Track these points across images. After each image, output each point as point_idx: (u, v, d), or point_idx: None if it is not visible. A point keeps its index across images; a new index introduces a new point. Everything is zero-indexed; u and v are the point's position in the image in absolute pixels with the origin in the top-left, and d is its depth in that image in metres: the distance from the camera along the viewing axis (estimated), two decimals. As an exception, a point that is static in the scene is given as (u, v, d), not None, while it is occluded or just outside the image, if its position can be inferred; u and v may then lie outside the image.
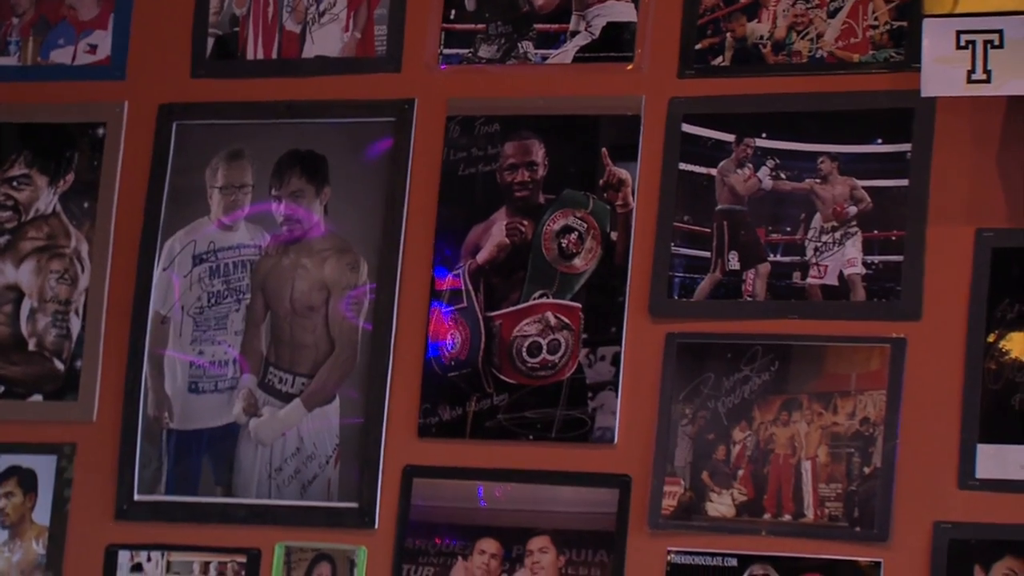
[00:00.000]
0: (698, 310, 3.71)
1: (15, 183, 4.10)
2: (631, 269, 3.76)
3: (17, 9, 4.18)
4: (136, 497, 3.95)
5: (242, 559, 3.88)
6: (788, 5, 3.74)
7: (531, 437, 3.78)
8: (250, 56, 4.05)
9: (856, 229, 3.64)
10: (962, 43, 3.39)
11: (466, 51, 3.94)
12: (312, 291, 3.95)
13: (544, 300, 3.80)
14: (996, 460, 3.48)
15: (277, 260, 3.98)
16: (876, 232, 3.62)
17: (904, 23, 3.62)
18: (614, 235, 3.77)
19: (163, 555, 3.93)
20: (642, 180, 3.77)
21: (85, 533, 4.02)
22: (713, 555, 3.63)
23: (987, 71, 3.38)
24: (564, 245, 3.79)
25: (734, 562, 3.60)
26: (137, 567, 3.94)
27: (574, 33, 3.87)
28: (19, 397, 4.06)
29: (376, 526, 3.82)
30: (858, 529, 3.52)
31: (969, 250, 3.55)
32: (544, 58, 3.89)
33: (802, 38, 3.71)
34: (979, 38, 3.38)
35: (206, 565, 3.90)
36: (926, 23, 3.42)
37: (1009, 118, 3.54)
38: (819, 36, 3.70)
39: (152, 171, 4.05)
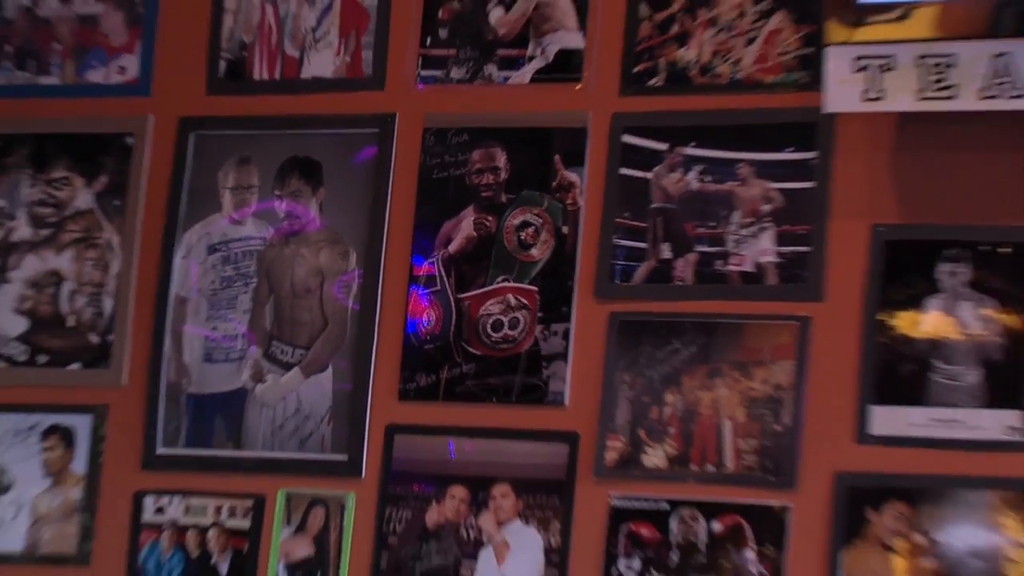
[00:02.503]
0: (636, 292, 3.76)
1: (56, 184, 4.12)
2: (579, 258, 3.80)
3: (59, 37, 4.17)
4: (159, 451, 4.00)
5: (249, 503, 3.93)
6: (712, 34, 3.78)
7: (494, 400, 3.84)
8: (256, 77, 4.07)
9: (769, 224, 3.69)
10: (859, 67, 3.45)
11: (440, 73, 3.97)
12: (309, 276, 3.98)
13: (506, 284, 3.85)
14: (887, 419, 3.55)
15: (279, 250, 4.01)
16: (786, 227, 3.68)
17: (810, 50, 3.65)
18: (565, 229, 3.81)
19: (182, 499, 3.95)
20: (589, 183, 3.81)
21: (116, 481, 4.05)
22: (648, 500, 3.68)
23: (880, 90, 3.44)
24: (523, 237, 3.85)
25: (666, 506, 3.65)
26: (160, 510, 3.96)
27: (531, 58, 3.91)
28: (60, 365, 4.08)
29: (363, 475, 3.88)
30: (771, 478, 3.59)
31: (865, 242, 3.62)
32: (506, 79, 3.93)
33: (724, 63, 3.76)
34: (873, 63, 3.44)
35: (219, 508, 3.94)
36: (828, 50, 3.49)
37: (899, 130, 3.61)
38: (738, 61, 3.75)
39: (173, 174, 4.08)
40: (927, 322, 3.59)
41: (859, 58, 3.48)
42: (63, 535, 4.03)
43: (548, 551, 3.75)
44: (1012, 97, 3.40)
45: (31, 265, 4.14)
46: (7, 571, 4.06)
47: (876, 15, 3.51)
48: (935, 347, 3.57)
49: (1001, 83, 3.41)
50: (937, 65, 3.43)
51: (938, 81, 3.44)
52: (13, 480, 4.08)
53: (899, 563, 3.52)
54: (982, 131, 3.56)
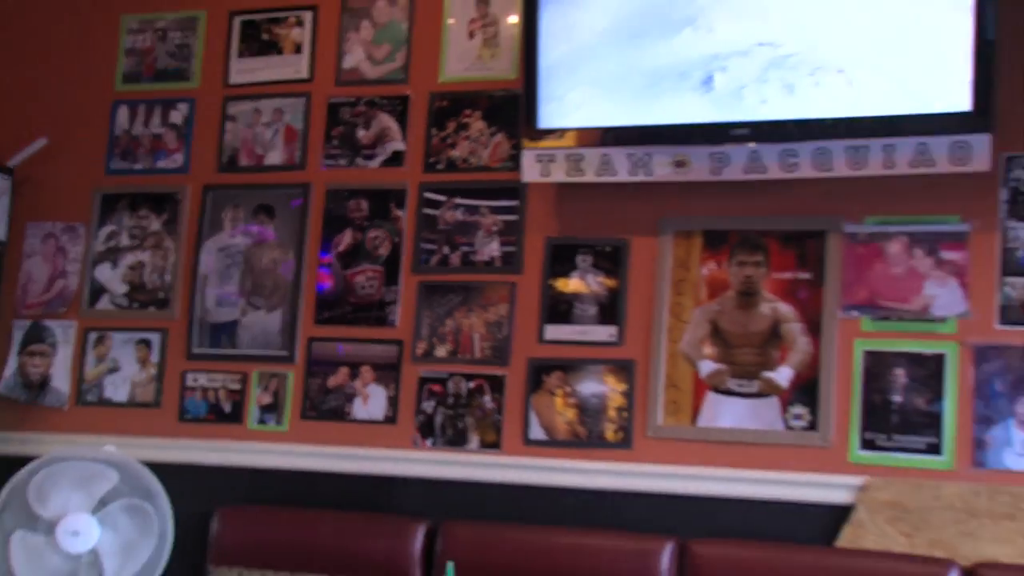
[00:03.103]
0: (431, 270, 3.89)
1: (142, 217, 4.20)
2: (403, 254, 3.89)
3: (141, 142, 4.24)
4: (194, 351, 4.08)
5: (239, 376, 3.99)
6: (468, 144, 3.89)
7: (361, 324, 3.93)
8: (242, 163, 4.13)
9: (495, 237, 3.85)
10: (538, 159, 3.63)
11: (333, 161, 4.04)
12: (268, 263, 4.05)
13: (367, 266, 3.96)
14: (553, 331, 3.74)
15: (254, 249, 4.08)
16: (504, 238, 3.83)
17: (515, 151, 3.79)
18: (397, 239, 3.94)
19: (207, 374, 4.05)
20: (408, 216, 3.93)
21: (172, 366, 4.02)
22: (440, 374, 3.81)
23: (548, 171, 3.64)
24: (376, 242, 3.97)
25: (446, 375, 3.80)
26: (195, 380, 4.04)
27: (379, 154, 4.01)
28: (143, 308, 4.13)
29: (296, 362, 3.96)
30: (498, 361, 3.76)
31: (543, 245, 3.77)
32: (367, 163, 4.02)
33: (473, 157, 3.89)
34: (544, 157, 3.63)
35: (224, 379, 4.03)
36: (523, 152, 3.67)
37: (558, 190, 3.74)
38: (481, 156, 3.88)
39: (200, 213, 4.14)
40: (571, 284, 3.75)
41: (539, 156, 3.66)
42: (147, 392, 4.12)
43: (389, 398, 3.86)
44: (609, 176, 3.58)
45: (129, 258, 4.21)
46: (118, 411, 4.10)
47: (547, 136, 3.64)
48: (576, 296, 3.73)
49: (606, 168, 3.58)
50: (575, 159, 3.61)
51: (576, 167, 3.62)
52: (121, 365, 4.15)
53: (558, 401, 3.69)
54: (598, 190, 3.70)
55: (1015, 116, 3.31)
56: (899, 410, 3.34)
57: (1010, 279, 3.31)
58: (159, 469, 3.63)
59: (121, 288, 4.19)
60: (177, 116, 4.19)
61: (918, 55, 3.24)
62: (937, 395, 3.32)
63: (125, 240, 4.23)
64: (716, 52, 3.40)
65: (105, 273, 4.20)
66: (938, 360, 3.33)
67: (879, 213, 3.46)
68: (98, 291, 4.19)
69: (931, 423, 3.31)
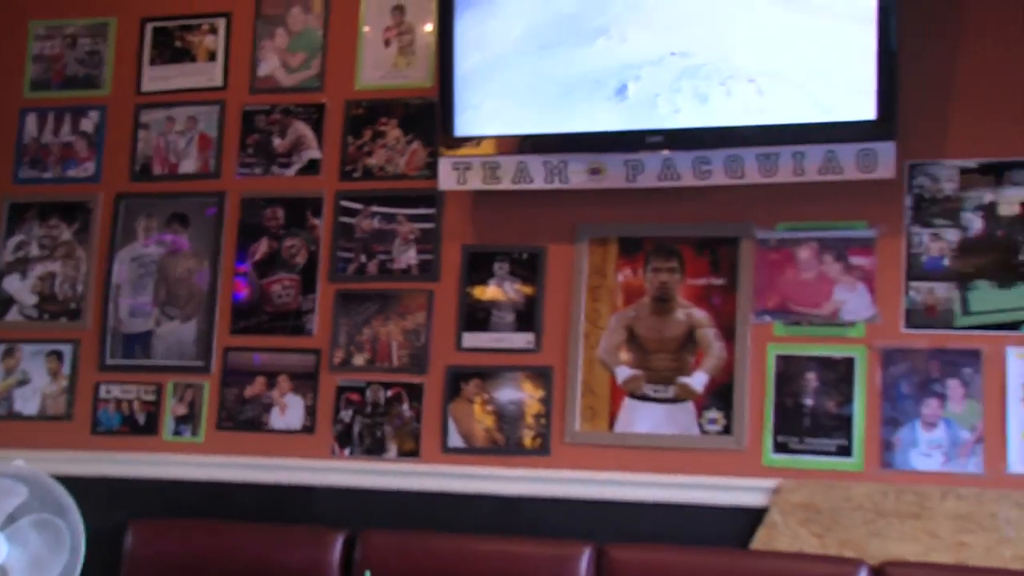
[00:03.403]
0: (348, 279, 3.85)
1: (52, 227, 4.12)
2: (320, 262, 3.89)
3: (51, 151, 4.16)
4: (107, 361, 4.01)
5: (154, 387, 3.94)
6: (384, 152, 3.87)
7: (278, 333, 3.89)
8: (156, 172, 4.06)
9: (413, 244, 3.83)
10: (454, 167, 3.63)
11: (249, 170, 3.99)
12: (183, 272, 4.00)
13: (284, 275, 3.93)
14: (471, 339, 3.74)
15: (168, 259, 4.02)
16: (421, 246, 3.81)
17: (432, 159, 3.78)
18: (313, 248, 3.90)
19: (119, 386, 4.00)
20: (324, 224, 3.89)
21: (84, 377, 3.99)
22: (357, 382, 3.75)
23: (464, 179, 3.64)
24: (293, 251, 3.93)
25: (364, 384, 3.77)
26: (108, 391, 3.99)
27: (295, 163, 3.98)
28: (55, 319, 4.06)
29: (212, 372, 3.91)
30: (415, 369, 3.74)
31: (459, 253, 3.75)
32: (282, 172, 3.98)
33: (390, 165, 3.87)
34: (461, 165, 3.61)
35: (138, 390, 3.97)
36: (440, 159, 3.68)
37: (475, 198, 3.74)
38: (398, 164, 3.86)
39: (112, 222, 4.06)
40: (489, 291, 3.75)
41: (455, 164, 3.66)
42: (58, 404, 4.04)
43: (307, 407, 3.81)
44: (525, 184, 3.60)
45: (39, 269, 4.13)
46: (29, 424, 4.02)
47: (464, 144, 3.64)
48: (493, 303, 3.73)
49: (523, 176, 3.60)
50: (491, 167, 3.62)
51: (492, 175, 3.62)
52: (31, 378, 4.07)
53: (476, 409, 3.69)
54: (514, 198, 3.70)
55: (918, 125, 3.39)
56: (811, 413, 3.40)
57: (915, 283, 3.38)
58: (71, 483, 3.52)
59: (31, 299, 4.11)
60: (88, 124, 4.14)
61: (825, 65, 3.33)
62: (847, 398, 3.38)
63: (35, 250, 4.15)
64: (629, 61, 3.44)
65: (14, 284, 4.12)
66: (848, 364, 3.39)
67: (790, 219, 3.51)
68: (7, 302, 4.11)
69: (841, 425, 3.37)
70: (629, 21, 3.40)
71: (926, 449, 3.29)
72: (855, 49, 3.27)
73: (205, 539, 3.64)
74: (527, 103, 3.53)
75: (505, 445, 3.64)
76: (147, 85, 4.09)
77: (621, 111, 3.42)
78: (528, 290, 3.70)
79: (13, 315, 4.11)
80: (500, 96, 3.55)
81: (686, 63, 3.34)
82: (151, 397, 3.94)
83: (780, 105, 3.31)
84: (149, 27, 4.15)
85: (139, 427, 3.93)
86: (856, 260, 3.44)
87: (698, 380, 3.52)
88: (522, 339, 3.68)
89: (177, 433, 3.90)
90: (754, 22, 3.31)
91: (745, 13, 3.32)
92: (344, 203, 3.89)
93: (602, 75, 3.42)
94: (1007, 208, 3.34)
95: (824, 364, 3.40)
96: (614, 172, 3.49)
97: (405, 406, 3.73)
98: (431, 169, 3.76)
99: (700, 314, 3.55)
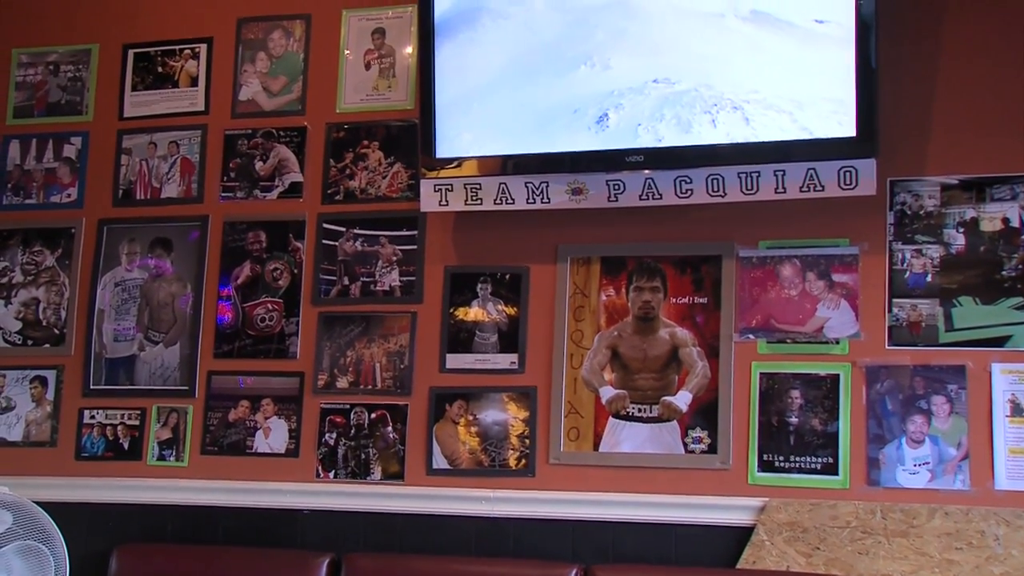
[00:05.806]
0: (331, 302, 3.80)
1: (36, 253, 4.06)
2: (303, 285, 3.83)
3: (34, 177, 4.10)
4: (91, 387, 3.94)
5: (138, 412, 3.88)
6: (366, 174, 3.82)
7: (261, 356, 3.82)
8: (138, 196, 4.01)
9: (395, 267, 3.76)
10: (436, 189, 3.58)
11: (231, 194, 3.94)
12: (166, 297, 3.94)
13: (267, 299, 3.87)
14: (454, 360, 3.66)
15: (151, 284, 3.97)
16: (404, 267, 3.75)
17: (413, 182, 3.74)
18: (296, 271, 3.85)
19: (103, 411, 3.93)
20: (307, 247, 3.83)
21: (69, 403, 3.94)
22: (341, 405, 3.71)
23: (446, 201, 3.58)
24: (275, 275, 3.87)
25: (348, 406, 3.71)
26: (92, 416, 3.93)
27: (277, 186, 3.92)
28: (39, 345, 3.99)
29: (196, 396, 3.85)
30: (399, 391, 3.68)
31: (442, 274, 3.70)
32: (265, 196, 3.92)
33: (372, 187, 3.82)
34: (444, 187, 3.57)
35: (122, 415, 3.90)
36: (422, 182, 3.61)
37: (456, 219, 3.69)
38: (379, 187, 3.80)
39: (95, 247, 4.01)
40: (472, 312, 3.69)
41: (436, 185, 3.60)
42: (42, 430, 3.97)
43: (291, 431, 3.76)
44: (507, 204, 3.55)
45: (23, 295, 4.06)
46: (13, 451, 3.96)
47: (445, 165, 3.58)
48: (476, 324, 3.67)
49: (504, 196, 3.54)
50: (472, 188, 3.56)
51: (474, 196, 3.56)
52: (15, 404, 4.00)
53: (461, 430, 3.62)
54: (496, 219, 3.65)
55: (899, 142, 3.38)
56: (796, 431, 3.36)
57: (898, 300, 3.34)
58: (55, 509, 3.50)
59: (14, 325, 4.06)
60: (71, 150, 4.10)
61: (806, 84, 3.28)
62: (832, 416, 3.34)
63: (18, 276, 4.10)
64: (612, 89, 3.39)
65: (-2, 310, 4.06)
66: (832, 381, 3.34)
67: (772, 237, 3.49)
68: (-9, 329, 4.06)
69: (827, 443, 3.33)
70: (612, 48, 3.35)
71: (912, 466, 3.25)
72: (835, 67, 3.24)
73: (190, 564, 3.58)
74: (507, 133, 3.48)
75: (490, 466, 3.59)
76: (129, 111, 4.06)
77: (601, 141, 3.37)
78: (511, 311, 3.66)
79: (-4, 341, 4.07)
80: (480, 127, 3.50)
81: (669, 90, 3.29)
82: (135, 422, 3.89)
83: (763, 128, 3.29)
84: (131, 53, 4.12)
85: (123, 452, 3.88)
86: (839, 277, 3.40)
87: (682, 399, 3.47)
88: (506, 360, 3.64)
89: (161, 458, 3.84)
90: (735, 46, 3.27)
91: (725, 37, 3.28)
92: (326, 226, 3.85)
93: (582, 103, 3.36)
94: (989, 224, 3.30)
95: (808, 382, 3.35)
96: (595, 192, 3.45)
97: (389, 428, 3.68)
98: (413, 191, 3.74)
99: (683, 333, 3.50)
